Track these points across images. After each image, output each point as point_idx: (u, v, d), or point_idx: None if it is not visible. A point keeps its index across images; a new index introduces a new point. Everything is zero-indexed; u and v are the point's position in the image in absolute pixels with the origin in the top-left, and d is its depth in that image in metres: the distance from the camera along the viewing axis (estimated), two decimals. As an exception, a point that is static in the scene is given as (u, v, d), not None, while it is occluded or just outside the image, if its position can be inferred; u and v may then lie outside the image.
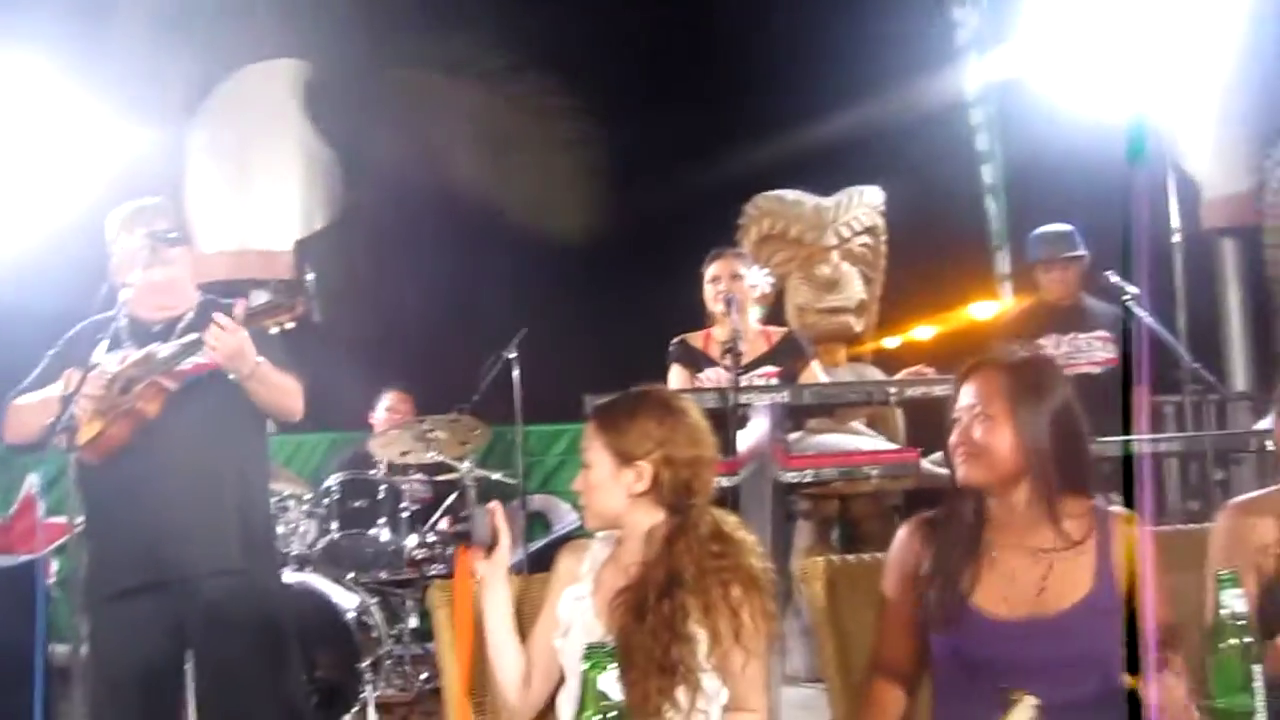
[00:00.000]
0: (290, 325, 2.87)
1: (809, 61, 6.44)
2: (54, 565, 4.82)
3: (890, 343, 6.84)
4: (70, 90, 5.12)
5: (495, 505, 2.32)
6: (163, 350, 2.86)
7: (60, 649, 4.33)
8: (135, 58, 6.11)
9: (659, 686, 2.02)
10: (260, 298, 3.13)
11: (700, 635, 2.04)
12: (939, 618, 2.08)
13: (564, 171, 7.21)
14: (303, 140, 6.23)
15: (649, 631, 2.04)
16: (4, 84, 4.86)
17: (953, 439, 2.12)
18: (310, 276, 4.02)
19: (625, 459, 2.15)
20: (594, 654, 1.42)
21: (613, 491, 2.17)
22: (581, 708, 1.40)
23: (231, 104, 6.31)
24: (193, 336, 2.84)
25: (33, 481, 5.99)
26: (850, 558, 2.60)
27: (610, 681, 1.39)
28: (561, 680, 2.20)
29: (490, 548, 2.26)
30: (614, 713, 1.39)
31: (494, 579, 2.26)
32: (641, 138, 6.83)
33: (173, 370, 2.86)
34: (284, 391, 3.04)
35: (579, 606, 2.19)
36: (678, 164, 6.66)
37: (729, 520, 2.17)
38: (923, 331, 11.95)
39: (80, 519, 2.95)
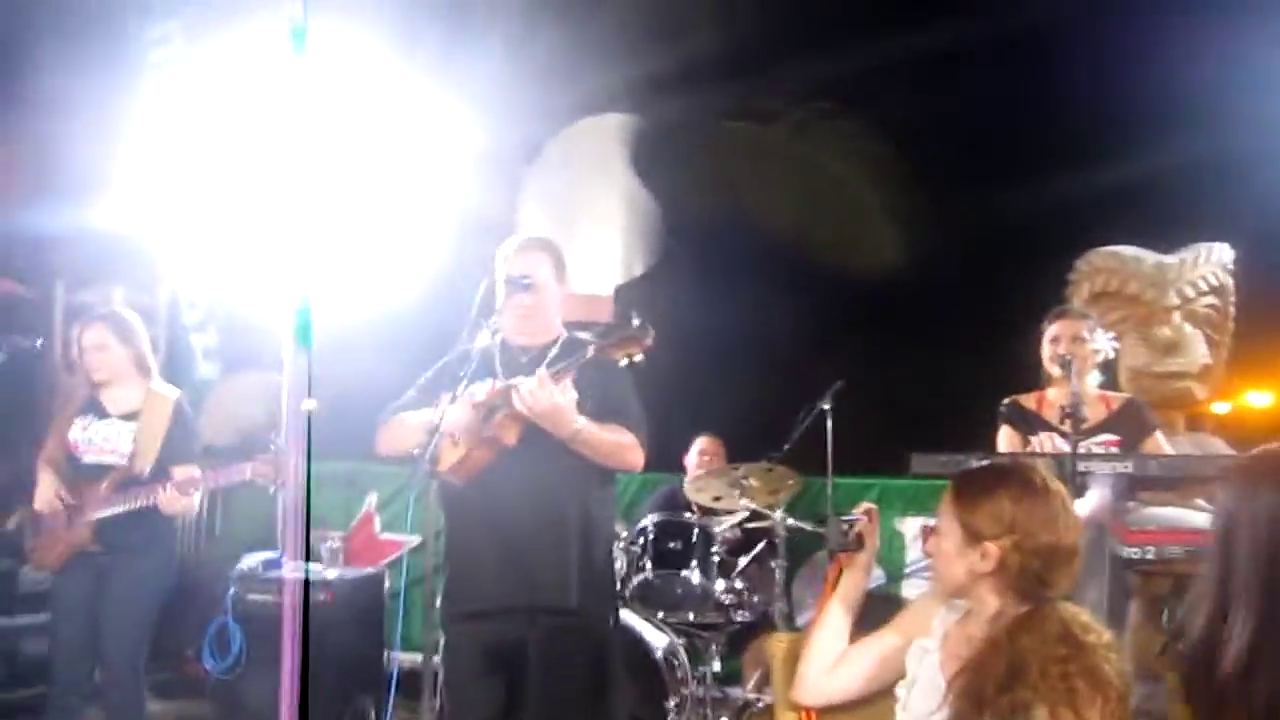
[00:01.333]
0: (639, 357, 2.88)
1: (1154, 104, 6.01)
2: (386, 579, 5.20)
3: (1222, 408, 6.29)
4: (428, 134, 5.54)
5: (869, 507, 2.42)
6: (524, 383, 2.97)
7: (406, 657, 4.68)
8: (472, 104, 6.59)
9: None
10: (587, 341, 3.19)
11: None
12: None
13: (879, 218, 7.14)
14: (626, 190, 6.52)
15: None
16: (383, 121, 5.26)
17: None
18: (636, 321, 4.17)
19: (973, 537, 2.07)
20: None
21: (957, 566, 2.11)
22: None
23: (563, 155, 6.69)
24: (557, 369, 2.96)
25: (371, 500, 6.50)
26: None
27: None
28: None
29: (857, 551, 2.37)
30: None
31: (851, 567, 2.38)
32: (961, 181, 6.63)
33: None
34: (612, 450, 3.08)
35: (926, 660, 2.16)
36: (1003, 212, 6.40)
37: (1081, 619, 2.03)
38: (1259, 398, 10.95)
39: (421, 538, 3.12)
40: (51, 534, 3.96)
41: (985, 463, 2.24)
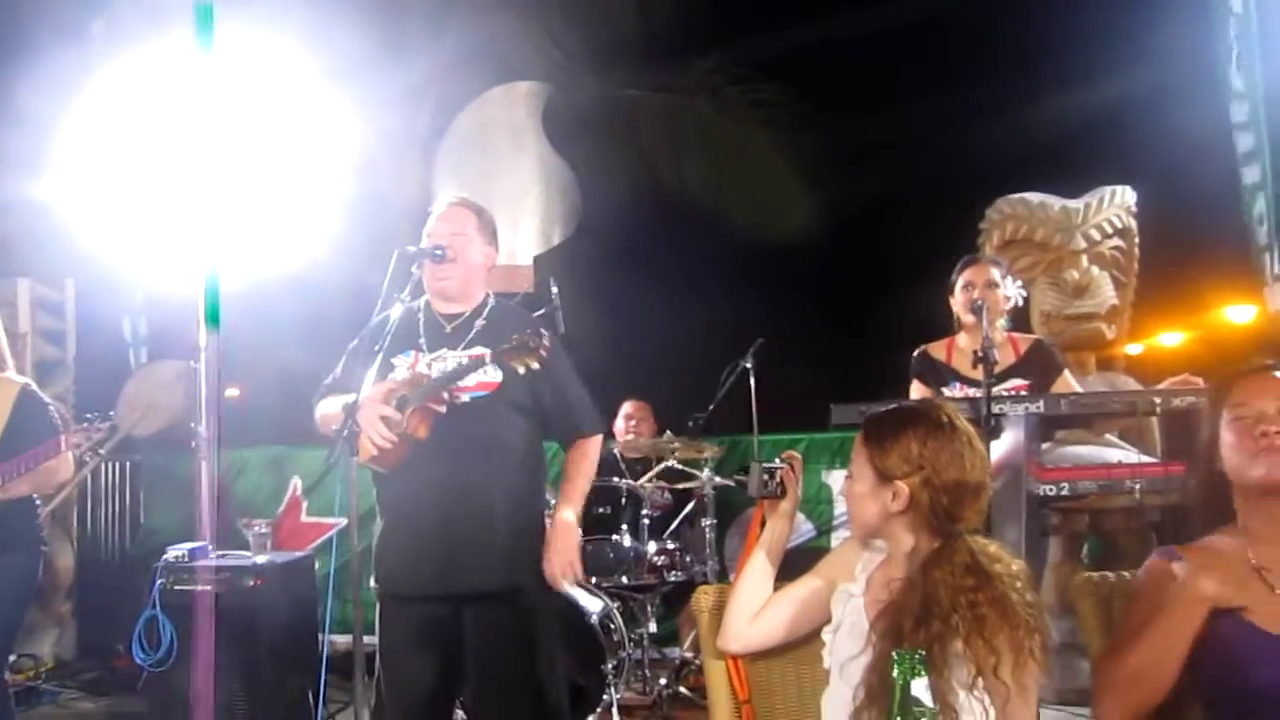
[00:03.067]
0: (536, 367, 2.89)
1: (1056, 54, 6.14)
2: (315, 562, 5.15)
3: (1134, 349, 6.47)
4: (334, 112, 5.45)
5: (791, 455, 2.42)
6: (439, 367, 2.95)
7: (340, 638, 4.63)
8: (388, 83, 6.50)
9: None
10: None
11: (961, 666, 1.97)
12: (1209, 637, 1.95)
13: (792, 179, 7.20)
14: (542, 159, 6.49)
15: None
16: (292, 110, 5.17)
17: (1245, 440, 2.00)
18: (555, 290, 4.16)
19: (884, 477, 2.11)
20: (904, 660, 1.40)
21: (871, 506, 2.15)
22: (892, 713, 1.39)
23: (475, 126, 6.63)
24: (469, 359, 2.95)
25: (296, 484, 6.43)
26: (1127, 575, 2.51)
27: (922, 688, 1.37)
28: (817, 676, 2.21)
29: (780, 498, 2.37)
30: (925, 719, 1.37)
31: (774, 515, 2.38)
32: (873, 140, 6.71)
33: (445, 392, 2.96)
34: None
35: (851, 604, 2.20)
36: (912, 167, 6.50)
37: (989, 550, 2.08)
38: (1170, 337, 11.30)
39: (345, 521, 3.07)
40: None
41: (893, 406, 2.27)
